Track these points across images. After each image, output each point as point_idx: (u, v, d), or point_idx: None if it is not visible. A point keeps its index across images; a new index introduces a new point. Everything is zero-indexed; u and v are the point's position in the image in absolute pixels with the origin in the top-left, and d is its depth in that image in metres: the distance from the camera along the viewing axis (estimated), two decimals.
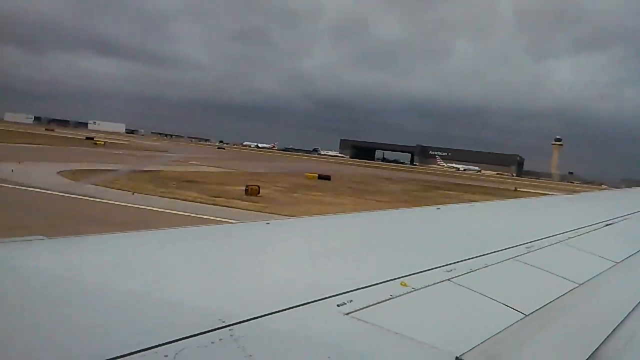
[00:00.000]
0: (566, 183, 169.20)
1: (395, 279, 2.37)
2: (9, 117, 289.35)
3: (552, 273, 3.11)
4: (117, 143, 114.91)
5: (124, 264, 2.18)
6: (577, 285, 2.96)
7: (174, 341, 1.42)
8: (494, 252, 3.30)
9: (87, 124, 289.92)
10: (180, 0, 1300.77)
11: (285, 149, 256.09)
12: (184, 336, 1.46)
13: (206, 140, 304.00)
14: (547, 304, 2.51)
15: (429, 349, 1.75)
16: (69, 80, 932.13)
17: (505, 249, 3.44)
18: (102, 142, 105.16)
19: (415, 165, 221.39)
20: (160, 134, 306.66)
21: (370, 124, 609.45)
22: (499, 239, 3.85)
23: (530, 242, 3.80)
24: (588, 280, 3.12)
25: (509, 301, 2.41)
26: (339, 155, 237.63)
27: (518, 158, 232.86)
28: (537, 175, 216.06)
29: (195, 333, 1.49)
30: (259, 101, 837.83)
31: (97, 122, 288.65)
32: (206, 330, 1.52)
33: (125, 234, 2.65)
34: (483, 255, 3.15)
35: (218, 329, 1.54)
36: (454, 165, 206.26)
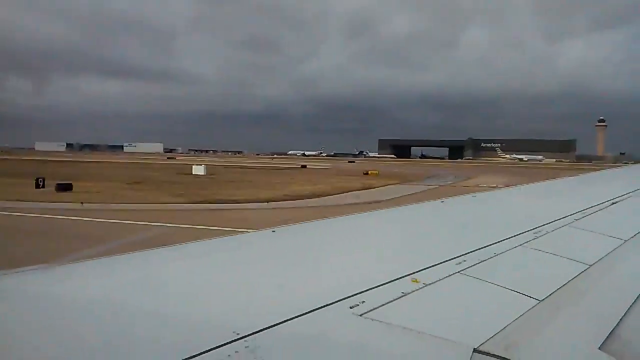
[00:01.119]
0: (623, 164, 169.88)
1: (405, 275, 2.39)
2: (40, 146, 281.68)
3: (562, 256, 3.13)
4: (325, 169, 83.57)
5: (133, 284, 2.19)
6: (587, 266, 2.98)
7: (189, 358, 1.42)
8: (502, 240, 3.31)
9: (122, 146, 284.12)
10: (181, 15, 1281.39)
11: (335, 154, 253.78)
12: (200, 352, 1.46)
13: (239, 152, 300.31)
14: (560, 287, 2.53)
15: (446, 343, 1.77)
16: (75, 105, 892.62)
17: (513, 236, 3.45)
18: (377, 172, 75.85)
19: (469, 159, 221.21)
20: (196, 150, 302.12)
21: (384, 122, 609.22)
22: (505, 227, 3.86)
23: (537, 227, 3.80)
24: (598, 260, 3.14)
25: (521, 288, 2.43)
26: (386, 156, 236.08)
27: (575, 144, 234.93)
28: (589, 159, 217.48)
29: (211, 348, 1.49)
30: (268, 108, 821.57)
31: (134, 143, 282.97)
32: (221, 344, 1.52)
33: (130, 255, 2.61)
34: (491, 244, 3.17)
35: (233, 341, 1.55)
36: (516, 155, 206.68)
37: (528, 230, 3.66)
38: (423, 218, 4.67)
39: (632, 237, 3.90)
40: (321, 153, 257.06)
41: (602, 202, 5.36)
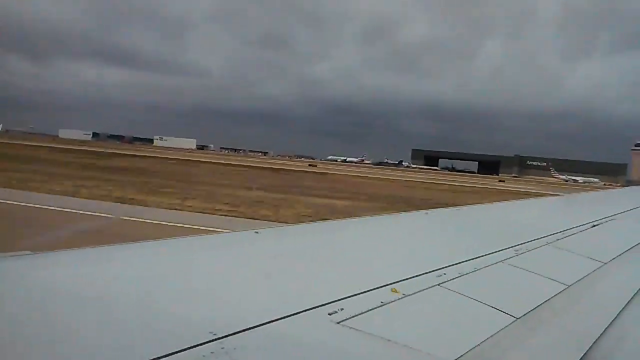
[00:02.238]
0: None
1: (385, 285, 2.39)
2: (64, 134, 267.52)
3: (541, 275, 3.15)
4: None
5: (109, 278, 2.13)
6: (566, 286, 2.98)
7: (163, 356, 1.40)
8: (483, 255, 3.32)
9: (150, 139, 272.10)
10: (193, 7, 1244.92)
11: (380, 163, 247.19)
12: (174, 351, 1.44)
13: (265, 153, 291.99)
14: (537, 306, 2.56)
15: (422, 355, 1.76)
16: (76, 92, 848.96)
17: (494, 252, 3.47)
18: None
19: (515, 177, 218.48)
20: (228, 149, 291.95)
21: (388, 129, 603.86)
22: (487, 242, 3.90)
23: (519, 244, 3.83)
24: (577, 281, 3.15)
25: (499, 305, 2.44)
26: (430, 167, 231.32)
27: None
28: (634, 183, 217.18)
29: (186, 347, 1.48)
30: (272, 107, 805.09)
31: (164, 137, 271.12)
32: (197, 344, 1.51)
33: (111, 247, 2.55)
34: (472, 259, 3.17)
35: (209, 342, 1.54)
36: (572, 177, 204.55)
37: (509, 247, 3.66)
38: (406, 228, 4.65)
39: (612, 259, 3.91)
40: (363, 160, 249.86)
41: (584, 224, 5.38)
